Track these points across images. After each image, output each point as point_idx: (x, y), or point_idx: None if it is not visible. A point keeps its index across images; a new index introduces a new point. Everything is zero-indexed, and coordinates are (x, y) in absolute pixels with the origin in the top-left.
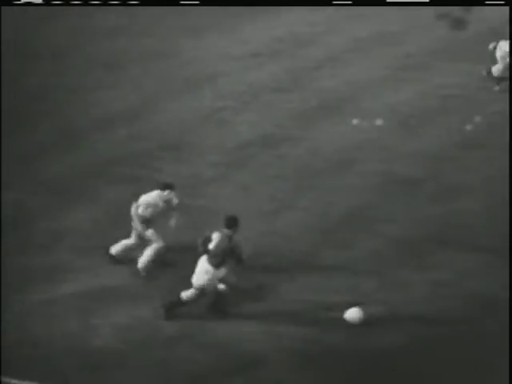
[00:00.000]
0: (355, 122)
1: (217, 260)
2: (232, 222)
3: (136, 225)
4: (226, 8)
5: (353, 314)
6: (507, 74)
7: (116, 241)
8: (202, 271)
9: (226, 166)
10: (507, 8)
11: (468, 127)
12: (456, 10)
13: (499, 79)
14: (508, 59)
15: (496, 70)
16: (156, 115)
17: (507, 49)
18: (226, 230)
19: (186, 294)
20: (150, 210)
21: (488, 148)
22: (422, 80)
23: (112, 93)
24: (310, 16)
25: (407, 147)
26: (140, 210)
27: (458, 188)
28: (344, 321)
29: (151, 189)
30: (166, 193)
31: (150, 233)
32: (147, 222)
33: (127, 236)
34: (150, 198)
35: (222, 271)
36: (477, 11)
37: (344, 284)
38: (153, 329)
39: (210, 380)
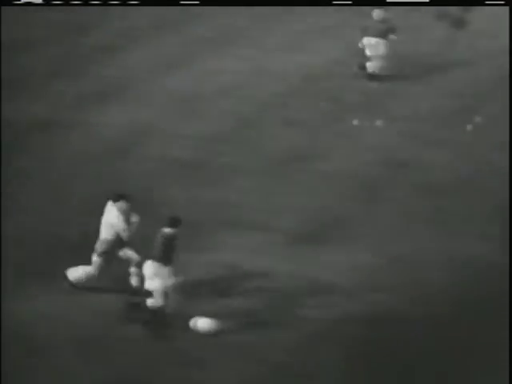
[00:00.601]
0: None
1: (159, 257)
2: (175, 222)
3: (100, 248)
4: None
5: (205, 324)
6: (386, 72)
7: None
8: (152, 274)
9: (3, 151)
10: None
11: (245, 110)
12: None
13: (374, 76)
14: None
15: (373, 66)
16: None
17: (380, 46)
18: (167, 229)
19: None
20: (113, 231)
21: (263, 128)
22: (198, 65)
23: None
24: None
25: (185, 131)
26: (105, 235)
27: (237, 169)
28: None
29: None
30: (119, 203)
31: (122, 253)
32: (112, 244)
33: None
34: (109, 217)
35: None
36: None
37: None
38: None
39: None
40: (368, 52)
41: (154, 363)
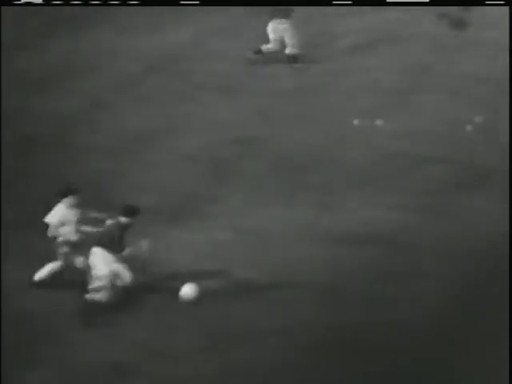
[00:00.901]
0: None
1: (111, 244)
2: (131, 211)
3: (61, 249)
4: None
5: (187, 290)
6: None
7: None
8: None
9: None
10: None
11: (99, 90)
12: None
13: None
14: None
15: (266, 48)
16: None
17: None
18: (123, 218)
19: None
20: (66, 229)
21: (118, 107)
22: (53, 46)
23: None
24: None
25: (41, 110)
26: (54, 233)
27: (92, 148)
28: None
29: None
30: (69, 198)
31: (80, 262)
32: (73, 245)
33: None
34: (58, 214)
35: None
36: None
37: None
38: None
39: None
40: (272, 34)
41: None
